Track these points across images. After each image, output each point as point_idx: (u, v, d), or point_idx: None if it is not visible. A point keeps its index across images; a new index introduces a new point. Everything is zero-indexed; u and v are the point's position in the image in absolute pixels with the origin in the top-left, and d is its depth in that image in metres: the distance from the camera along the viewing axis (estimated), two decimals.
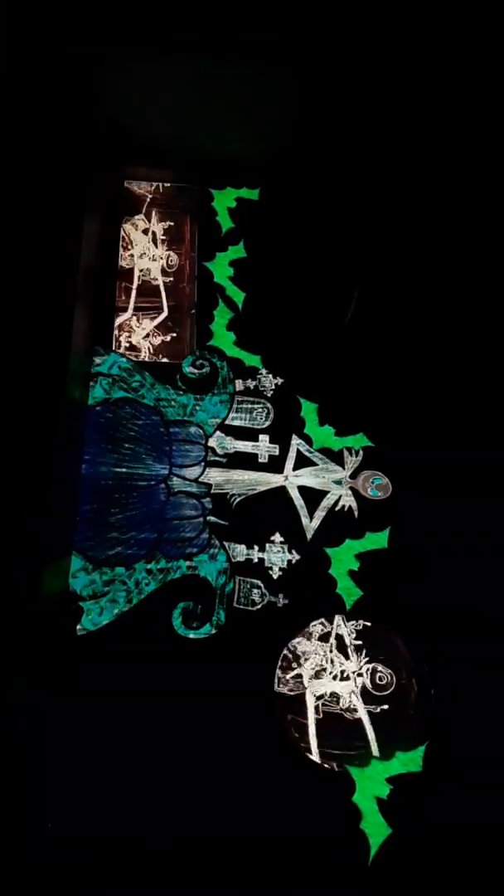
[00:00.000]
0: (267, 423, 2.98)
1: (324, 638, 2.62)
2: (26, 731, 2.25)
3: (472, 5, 2.99)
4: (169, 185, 3.43)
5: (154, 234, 3.31)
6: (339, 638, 2.62)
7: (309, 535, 2.80)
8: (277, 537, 2.78)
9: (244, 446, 2.93)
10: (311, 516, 2.84)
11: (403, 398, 3.00)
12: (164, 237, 3.31)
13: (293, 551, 2.76)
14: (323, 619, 2.64)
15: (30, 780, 2.23)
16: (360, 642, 2.62)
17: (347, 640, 2.61)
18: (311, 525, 2.82)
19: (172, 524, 2.75)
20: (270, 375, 3.05)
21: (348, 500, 2.87)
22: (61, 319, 2.67)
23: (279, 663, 2.54)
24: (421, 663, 2.59)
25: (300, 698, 2.52)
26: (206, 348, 3.09)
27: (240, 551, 2.74)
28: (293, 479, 2.90)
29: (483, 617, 2.65)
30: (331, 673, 2.56)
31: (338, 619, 2.65)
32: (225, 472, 2.88)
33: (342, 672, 2.56)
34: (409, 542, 2.80)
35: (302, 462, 2.93)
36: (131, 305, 3.16)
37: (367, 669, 2.57)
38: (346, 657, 2.59)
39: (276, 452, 2.94)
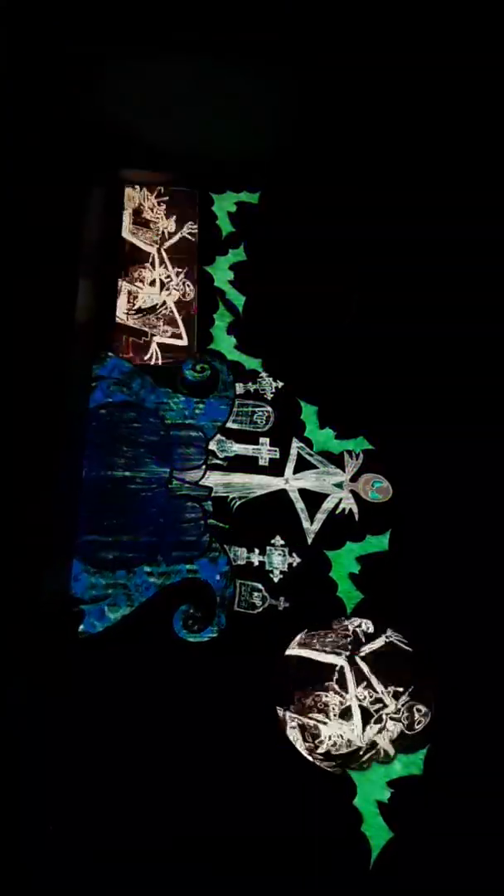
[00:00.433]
0: (267, 427, 2.98)
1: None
2: (27, 733, 2.26)
3: (472, 5, 2.99)
4: (169, 189, 3.41)
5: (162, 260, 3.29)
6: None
7: (309, 539, 2.80)
8: (278, 540, 2.78)
9: (245, 449, 2.93)
10: (312, 519, 2.84)
11: (404, 401, 2.99)
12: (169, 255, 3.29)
13: (294, 554, 2.76)
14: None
15: (30, 780, 2.23)
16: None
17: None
18: (311, 528, 2.82)
19: (173, 527, 2.75)
20: (271, 379, 3.05)
21: (349, 504, 2.87)
22: (61, 323, 2.67)
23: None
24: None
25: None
26: (207, 352, 3.08)
27: (240, 554, 2.74)
28: (294, 483, 2.90)
29: (483, 619, 2.66)
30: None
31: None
32: (225, 475, 2.88)
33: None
34: (409, 545, 2.80)
35: (302, 465, 2.93)
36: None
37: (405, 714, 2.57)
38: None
39: (277, 455, 2.93)
